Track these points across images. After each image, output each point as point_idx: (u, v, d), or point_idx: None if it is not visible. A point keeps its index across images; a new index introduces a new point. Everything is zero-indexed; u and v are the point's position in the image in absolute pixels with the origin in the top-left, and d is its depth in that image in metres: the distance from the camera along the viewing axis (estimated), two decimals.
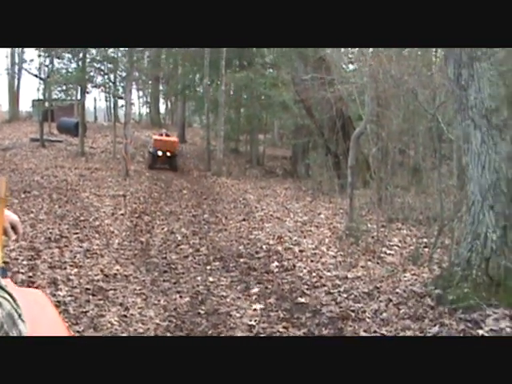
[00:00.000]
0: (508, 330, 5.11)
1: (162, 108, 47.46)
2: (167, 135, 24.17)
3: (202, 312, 5.88)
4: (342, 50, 18.60)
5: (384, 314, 5.70)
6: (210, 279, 7.12)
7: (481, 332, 5.09)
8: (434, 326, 5.32)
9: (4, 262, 1.96)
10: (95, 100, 67.16)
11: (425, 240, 8.99)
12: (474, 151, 5.94)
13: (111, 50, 24.39)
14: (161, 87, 42.04)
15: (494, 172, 5.81)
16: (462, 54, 6.03)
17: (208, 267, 7.75)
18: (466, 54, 5.97)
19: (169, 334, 5.17)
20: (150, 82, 42.31)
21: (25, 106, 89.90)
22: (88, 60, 24.61)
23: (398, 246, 8.92)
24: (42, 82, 29.89)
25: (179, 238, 9.67)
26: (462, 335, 4.96)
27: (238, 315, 5.78)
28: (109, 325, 5.33)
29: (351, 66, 19.34)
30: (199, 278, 7.14)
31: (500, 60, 5.97)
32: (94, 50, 24.32)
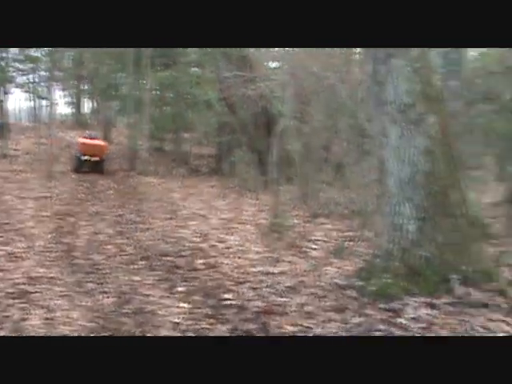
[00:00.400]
0: (425, 316, 5.30)
1: (87, 108, 46.70)
2: (93, 138, 23.28)
3: (128, 311, 5.85)
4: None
5: (308, 307, 5.79)
6: (136, 278, 7.09)
7: (400, 320, 5.25)
8: (357, 316, 5.45)
9: None
10: (18, 100, 65.52)
11: (348, 234, 9.16)
12: (392, 145, 6.11)
13: (33, 49, 23.89)
14: (85, 86, 41.35)
15: (412, 165, 5.99)
16: (378, 51, 6.18)
17: (133, 267, 7.71)
18: (383, 50, 6.13)
19: (92, 335, 5.14)
20: (73, 82, 41.57)
21: None
22: (8, 60, 24.07)
23: (322, 241, 9.06)
24: None
25: (104, 239, 9.59)
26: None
27: (163, 313, 5.77)
28: (33, 328, 5.26)
29: (274, 64, 19.43)
30: (124, 278, 7.11)
31: (415, 57, 6.14)
32: (16, 50, 23.76)
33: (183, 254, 8.49)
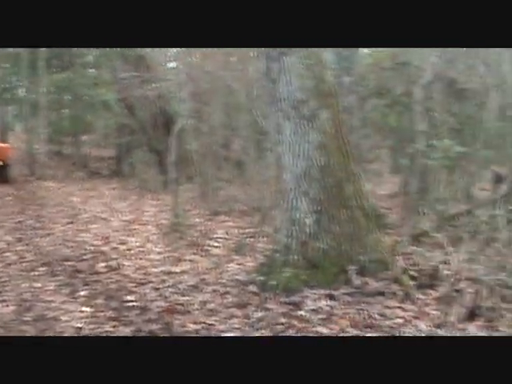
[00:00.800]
0: (325, 308, 5.43)
1: None
2: None
3: (29, 319, 5.74)
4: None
5: (211, 305, 5.83)
6: (37, 285, 6.96)
7: (300, 313, 5.36)
8: (258, 311, 5.52)
9: None
10: None
11: (249, 230, 9.24)
12: (287, 141, 6.21)
13: None
14: None
15: (307, 160, 6.11)
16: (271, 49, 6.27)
17: (34, 273, 7.55)
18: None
19: None
20: None
21: None
22: None
23: (223, 238, 9.12)
24: None
25: (3, 246, 9.35)
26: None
27: (65, 319, 5.69)
28: None
29: (171, 64, 19.37)
30: (25, 285, 6.96)
31: (307, 54, 6.25)
32: None
33: (84, 257, 8.37)
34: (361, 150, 10.15)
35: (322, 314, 5.37)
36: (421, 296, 5.85)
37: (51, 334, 5.24)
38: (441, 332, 5.02)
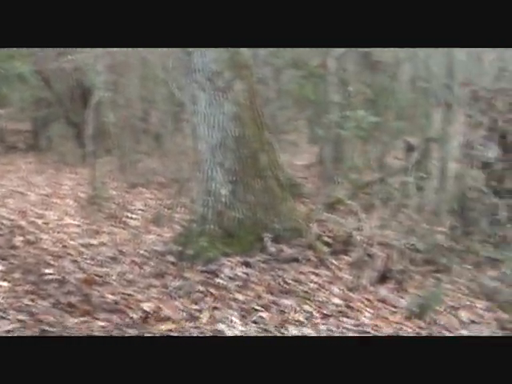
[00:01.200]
0: (242, 275, 5.56)
1: None
2: None
3: None
4: None
5: (129, 276, 5.89)
6: None
7: (218, 280, 5.48)
8: (176, 280, 5.62)
9: None
10: None
11: (167, 202, 9.29)
12: (202, 112, 6.28)
13: None
14: None
15: (222, 131, 6.20)
16: None
17: None
18: None
19: None
20: None
21: None
22: None
23: (141, 210, 9.16)
24: None
25: None
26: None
27: None
28: None
29: None
30: None
31: None
32: None
33: (1, 232, 8.27)
34: (278, 122, 10.30)
35: (239, 281, 5.51)
36: (334, 261, 6.06)
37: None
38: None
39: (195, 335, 4.43)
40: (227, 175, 6.18)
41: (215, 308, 4.97)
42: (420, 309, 5.12)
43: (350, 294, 5.49)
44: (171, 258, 6.21)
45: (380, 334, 4.68)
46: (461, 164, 7.57)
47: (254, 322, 4.75)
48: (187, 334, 4.46)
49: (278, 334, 4.54)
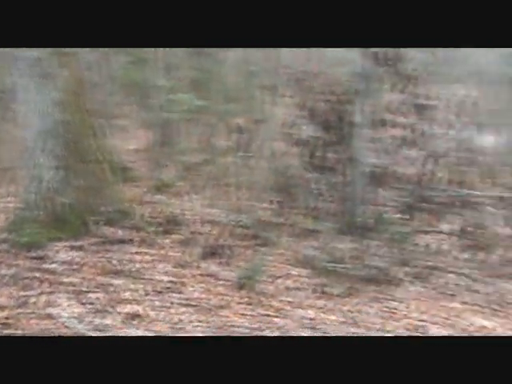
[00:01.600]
0: (72, 259, 5.67)
1: None
2: None
3: None
4: None
5: None
6: None
7: (48, 266, 5.55)
8: (9, 268, 5.61)
9: None
10: None
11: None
12: (26, 99, 6.28)
13: None
14: None
15: (47, 117, 6.23)
16: None
17: None
18: None
19: None
20: None
21: None
22: None
23: None
24: None
25: None
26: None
27: None
28: None
29: None
30: None
31: None
32: None
33: None
34: (107, 107, 10.29)
35: (70, 265, 5.61)
36: (163, 241, 6.28)
37: None
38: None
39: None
40: (54, 161, 6.22)
41: (48, 293, 5.07)
42: (246, 280, 5.46)
43: (180, 270, 5.73)
44: (4, 247, 6.14)
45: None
46: (283, 142, 7.98)
47: (88, 303, 4.90)
48: (24, 322, 4.54)
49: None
